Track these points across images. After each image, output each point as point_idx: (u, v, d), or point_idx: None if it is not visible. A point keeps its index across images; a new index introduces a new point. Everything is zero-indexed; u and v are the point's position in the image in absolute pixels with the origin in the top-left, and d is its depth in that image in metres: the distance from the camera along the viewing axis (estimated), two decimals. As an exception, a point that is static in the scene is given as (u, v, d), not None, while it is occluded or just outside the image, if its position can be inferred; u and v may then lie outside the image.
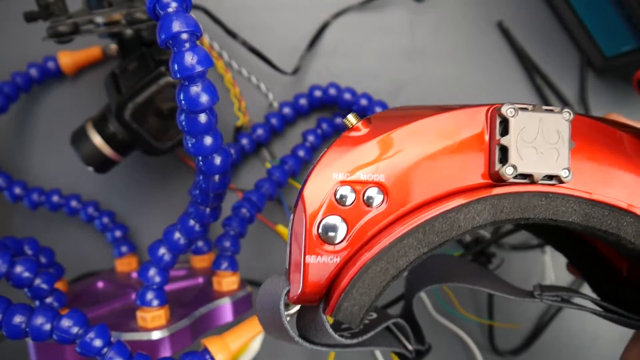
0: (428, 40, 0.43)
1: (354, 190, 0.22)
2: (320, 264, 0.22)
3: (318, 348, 0.23)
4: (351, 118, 0.23)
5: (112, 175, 0.39)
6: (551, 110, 0.23)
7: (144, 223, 0.42)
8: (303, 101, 0.41)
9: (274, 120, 0.41)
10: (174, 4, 0.21)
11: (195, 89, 0.22)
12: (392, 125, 0.23)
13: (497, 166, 0.23)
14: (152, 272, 0.30)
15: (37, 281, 0.29)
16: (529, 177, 0.23)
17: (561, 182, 0.23)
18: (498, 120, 0.23)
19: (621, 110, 0.43)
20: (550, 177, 0.23)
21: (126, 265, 0.40)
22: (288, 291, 0.22)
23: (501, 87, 0.43)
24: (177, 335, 0.31)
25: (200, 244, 0.40)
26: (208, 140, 0.24)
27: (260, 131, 0.41)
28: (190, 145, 0.25)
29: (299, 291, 0.22)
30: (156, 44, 0.35)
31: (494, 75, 0.43)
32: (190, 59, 0.21)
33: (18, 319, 0.26)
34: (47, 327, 0.26)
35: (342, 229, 0.22)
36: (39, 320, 0.26)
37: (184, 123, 0.24)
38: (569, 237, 0.31)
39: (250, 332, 0.29)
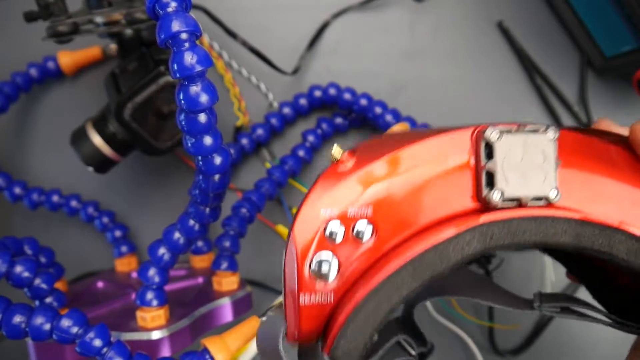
0: (428, 40, 0.43)
1: (344, 225, 0.22)
2: (315, 304, 0.22)
3: None
4: (336, 151, 0.23)
5: (112, 175, 0.39)
6: (535, 130, 0.22)
7: (144, 223, 0.42)
8: (303, 101, 0.41)
9: (274, 120, 0.41)
10: (173, 4, 0.21)
11: (194, 88, 0.22)
12: (376, 155, 0.22)
13: (485, 191, 0.22)
14: (152, 272, 0.30)
15: (37, 281, 0.29)
16: (517, 201, 0.22)
17: (550, 202, 0.22)
18: (482, 144, 0.22)
19: (621, 110, 0.43)
20: (539, 198, 0.22)
21: (126, 265, 0.40)
22: (286, 331, 0.22)
23: (501, 87, 0.43)
24: (177, 335, 0.31)
25: (200, 244, 0.40)
26: (208, 140, 0.24)
27: (260, 131, 0.41)
28: (190, 145, 0.25)
29: (296, 332, 0.22)
30: (156, 43, 0.35)
31: (494, 75, 0.43)
32: (189, 58, 0.21)
33: (18, 319, 0.26)
34: (47, 327, 0.26)
35: (334, 265, 0.22)
36: (38, 320, 0.26)
37: (183, 123, 0.24)
38: None
39: (250, 332, 0.29)
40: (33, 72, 0.40)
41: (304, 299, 0.22)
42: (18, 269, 0.28)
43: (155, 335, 0.30)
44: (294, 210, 0.42)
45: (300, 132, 0.41)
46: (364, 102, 0.40)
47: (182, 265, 0.40)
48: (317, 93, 0.41)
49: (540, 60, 0.43)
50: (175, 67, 0.22)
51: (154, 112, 0.34)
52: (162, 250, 0.30)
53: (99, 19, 0.32)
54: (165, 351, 0.30)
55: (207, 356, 0.28)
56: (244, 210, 0.36)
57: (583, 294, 0.31)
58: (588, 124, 0.43)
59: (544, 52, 0.43)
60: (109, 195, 0.42)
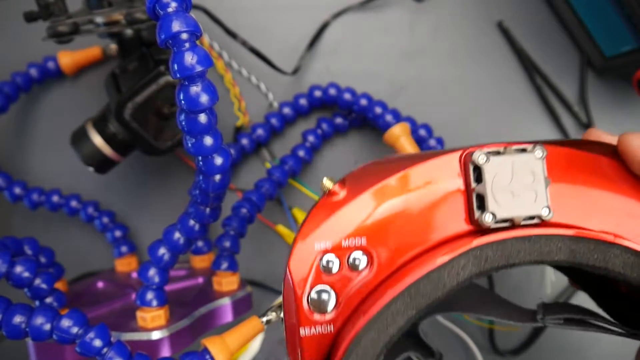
0: (428, 40, 0.43)
1: (338, 257, 0.22)
2: (316, 335, 0.22)
3: None
4: (326, 182, 0.23)
5: (112, 175, 0.39)
6: (523, 150, 0.22)
7: (144, 223, 0.42)
8: (303, 101, 0.41)
9: (274, 120, 0.41)
10: (173, 4, 0.21)
11: (195, 88, 0.22)
12: (366, 185, 0.23)
13: (477, 214, 0.22)
14: (152, 272, 0.30)
15: (37, 281, 0.29)
16: (510, 221, 0.22)
17: (543, 220, 0.22)
18: (471, 167, 0.22)
19: (621, 110, 0.43)
20: (532, 217, 0.22)
21: (126, 265, 0.40)
22: None
23: (501, 87, 0.43)
24: (177, 335, 0.31)
25: (200, 244, 0.40)
26: (208, 140, 0.24)
27: (260, 131, 0.41)
28: (190, 145, 0.25)
29: None
30: (156, 43, 0.35)
31: (494, 75, 0.43)
32: (190, 58, 0.21)
33: (18, 319, 0.26)
34: (47, 327, 0.26)
35: (332, 297, 0.22)
36: (39, 320, 0.26)
37: (183, 123, 0.24)
38: None
39: (250, 332, 0.29)
40: (33, 72, 0.40)
41: (305, 332, 0.22)
42: (18, 269, 0.28)
43: (155, 335, 0.30)
44: (294, 211, 0.42)
45: (300, 132, 0.41)
46: (364, 102, 0.40)
47: (182, 265, 0.40)
48: (317, 93, 0.41)
49: (540, 60, 0.43)
50: (176, 67, 0.22)
51: (154, 112, 0.34)
52: (162, 250, 0.30)
53: (99, 19, 0.32)
54: (165, 351, 0.30)
55: (207, 356, 0.28)
56: (244, 210, 0.36)
57: (583, 297, 0.31)
58: (588, 124, 0.43)
59: (544, 52, 0.43)
60: (109, 195, 0.42)
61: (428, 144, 0.39)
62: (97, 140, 0.36)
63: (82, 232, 0.42)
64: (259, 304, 0.41)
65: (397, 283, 0.21)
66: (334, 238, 0.22)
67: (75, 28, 0.32)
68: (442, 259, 0.21)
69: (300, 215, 0.41)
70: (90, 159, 0.36)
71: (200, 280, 0.38)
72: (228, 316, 0.35)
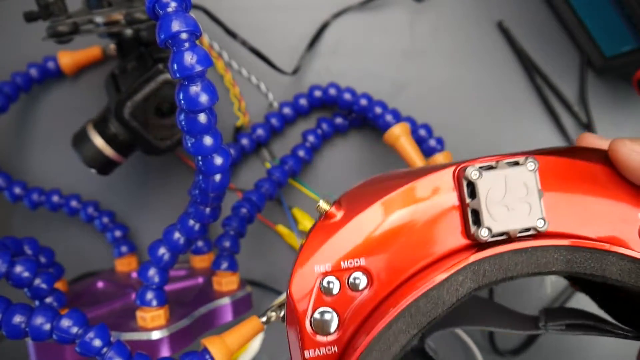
0: (428, 40, 0.43)
1: (339, 278, 0.23)
2: (320, 356, 0.22)
3: None
4: (322, 205, 0.23)
5: (112, 175, 0.39)
6: (515, 163, 0.23)
7: (144, 223, 0.42)
8: (303, 101, 0.41)
9: (274, 120, 0.41)
10: (173, 4, 0.21)
11: (194, 88, 0.22)
12: (362, 206, 0.23)
13: (473, 229, 0.23)
14: (152, 272, 0.30)
15: (37, 281, 0.29)
16: (506, 234, 0.23)
17: (539, 232, 0.23)
18: (465, 183, 0.23)
19: (621, 110, 0.43)
20: (527, 229, 0.23)
21: (126, 265, 0.40)
22: None
23: (501, 87, 0.43)
24: (177, 335, 0.31)
25: (200, 244, 0.40)
26: (208, 140, 0.24)
27: (260, 131, 0.41)
28: (189, 145, 0.25)
29: None
30: (155, 43, 0.35)
31: (494, 75, 0.43)
32: (189, 58, 0.21)
33: (18, 319, 0.26)
34: (47, 327, 0.26)
35: (334, 318, 0.22)
36: (38, 320, 0.26)
37: (183, 123, 0.24)
38: None
39: (250, 332, 0.29)
40: (33, 72, 0.40)
41: (309, 354, 0.22)
42: (18, 269, 0.28)
43: (155, 335, 0.30)
44: (294, 211, 0.42)
45: (300, 132, 0.41)
46: (364, 102, 0.40)
47: (182, 265, 0.40)
48: (317, 93, 0.41)
49: (540, 60, 0.43)
50: (175, 67, 0.22)
51: (153, 111, 0.34)
52: (162, 250, 0.30)
53: (99, 19, 0.32)
54: (165, 351, 0.30)
55: (207, 356, 0.28)
56: (244, 210, 0.36)
57: (583, 296, 0.31)
58: (588, 124, 0.43)
59: (544, 52, 0.43)
60: (109, 195, 0.42)
61: (428, 144, 0.39)
62: (98, 141, 0.35)
63: (82, 232, 0.42)
64: (259, 304, 0.41)
65: (398, 302, 0.21)
66: (333, 260, 0.23)
67: (75, 28, 0.32)
68: (440, 276, 0.21)
69: (300, 215, 0.41)
70: (92, 160, 0.36)
71: (200, 280, 0.38)
72: (228, 316, 0.35)
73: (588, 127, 0.43)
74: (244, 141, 0.40)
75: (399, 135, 0.37)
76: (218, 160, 0.25)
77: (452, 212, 0.23)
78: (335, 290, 0.23)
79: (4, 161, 0.42)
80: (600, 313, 0.29)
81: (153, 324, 0.31)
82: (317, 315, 0.22)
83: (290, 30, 0.43)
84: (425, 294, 0.21)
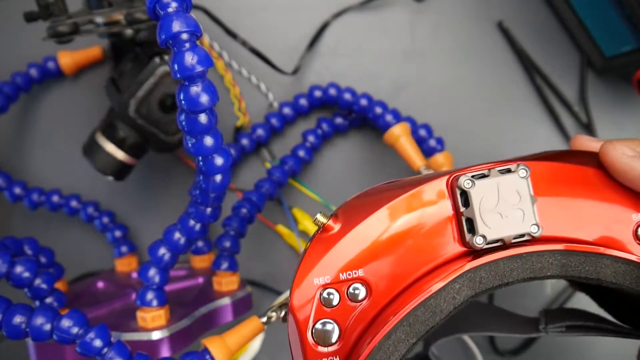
0: (428, 40, 0.43)
1: (338, 290, 0.23)
2: None
3: None
4: (320, 218, 0.23)
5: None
6: (508, 171, 0.23)
7: (144, 223, 0.42)
8: (303, 101, 0.41)
9: (274, 120, 0.41)
10: (174, 4, 0.21)
11: (195, 89, 0.22)
12: (359, 218, 0.23)
13: (468, 237, 0.23)
14: (152, 272, 0.30)
15: (37, 281, 0.29)
16: (500, 241, 0.23)
17: (533, 237, 0.23)
18: (458, 192, 0.23)
19: (621, 110, 0.43)
20: (521, 235, 0.23)
21: (126, 265, 0.40)
22: None
23: (501, 87, 0.43)
24: (177, 335, 0.31)
25: (200, 244, 0.40)
26: (208, 140, 0.24)
27: (260, 131, 0.41)
28: (190, 145, 0.25)
29: None
30: (149, 42, 0.35)
31: (494, 75, 0.43)
32: (190, 59, 0.21)
33: (18, 319, 0.26)
34: (47, 327, 0.26)
35: (335, 329, 0.23)
36: (39, 320, 0.26)
37: (184, 123, 0.24)
38: None
39: (250, 332, 0.29)
40: (33, 72, 0.40)
41: None
42: (18, 269, 0.28)
43: (156, 335, 0.30)
44: (294, 211, 0.42)
45: (301, 132, 0.41)
46: (364, 102, 0.40)
47: (182, 265, 0.40)
48: (317, 93, 0.41)
49: (540, 60, 0.43)
50: (176, 67, 0.22)
51: (157, 105, 0.34)
52: (162, 251, 0.29)
53: (99, 19, 0.32)
54: (166, 351, 0.30)
55: (208, 356, 0.28)
56: (244, 210, 0.36)
57: (583, 296, 0.31)
58: (588, 124, 0.43)
59: (544, 52, 0.43)
60: (109, 195, 0.42)
61: (428, 144, 0.39)
62: (109, 147, 0.35)
63: (82, 232, 0.42)
64: (259, 304, 0.41)
65: (396, 312, 0.22)
66: (331, 272, 0.23)
67: (75, 28, 0.32)
68: (437, 285, 0.22)
69: (300, 215, 0.41)
70: (105, 167, 0.36)
71: (200, 280, 0.38)
72: (228, 316, 0.35)
73: (588, 127, 0.43)
74: (244, 141, 0.40)
75: (399, 135, 0.37)
76: (219, 161, 0.25)
77: (447, 220, 0.23)
78: (335, 302, 0.23)
79: (4, 161, 0.42)
80: (600, 312, 0.29)
81: (153, 324, 0.31)
82: (318, 326, 0.23)
83: (290, 30, 0.43)
84: (423, 303, 0.21)
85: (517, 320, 0.30)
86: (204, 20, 0.41)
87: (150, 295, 0.30)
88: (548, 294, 0.42)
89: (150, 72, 0.33)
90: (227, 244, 0.35)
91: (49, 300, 0.30)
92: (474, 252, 0.23)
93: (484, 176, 0.23)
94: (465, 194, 0.23)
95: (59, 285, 0.36)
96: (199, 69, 0.22)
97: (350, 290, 0.23)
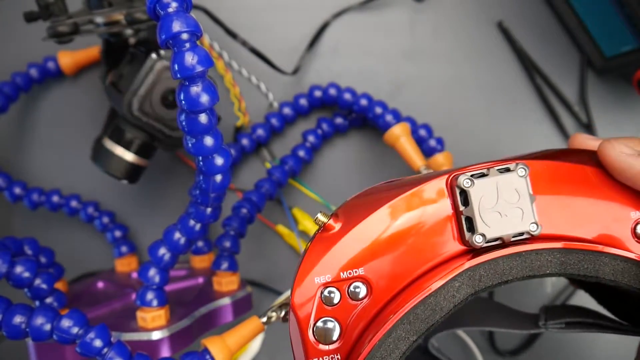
0: (428, 40, 0.43)
1: (339, 289, 0.23)
2: None
3: None
4: (321, 217, 0.24)
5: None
6: (507, 170, 0.23)
7: (144, 223, 0.42)
8: (303, 101, 0.41)
9: (274, 120, 0.41)
10: (174, 4, 0.21)
11: (195, 89, 0.22)
12: (359, 217, 0.23)
13: (467, 235, 0.23)
14: (152, 272, 0.30)
15: (37, 281, 0.29)
16: (500, 239, 0.23)
17: (532, 236, 0.23)
18: (458, 192, 0.23)
19: (621, 110, 0.43)
20: (521, 234, 0.23)
21: (126, 265, 0.40)
22: None
23: (501, 87, 0.43)
24: (177, 335, 0.31)
25: (200, 244, 0.40)
26: (208, 140, 0.24)
27: (260, 131, 0.41)
28: (190, 145, 0.25)
29: None
30: (144, 42, 0.35)
31: (494, 75, 0.43)
32: (190, 59, 0.21)
33: (18, 319, 0.26)
34: (47, 327, 0.26)
35: (336, 327, 0.23)
36: (39, 320, 0.26)
37: (184, 123, 0.24)
38: None
39: (250, 332, 0.29)
40: (33, 72, 0.40)
41: None
42: (18, 269, 0.28)
43: (156, 335, 0.30)
44: (294, 211, 0.42)
45: (301, 132, 0.41)
46: (364, 102, 0.40)
47: (182, 265, 0.40)
48: (317, 93, 0.41)
49: (540, 60, 0.43)
50: (176, 67, 0.22)
51: (160, 101, 0.34)
52: (162, 251, 0.29)
53: (99, 19, 0.32)
54: (166, 351, 0.30)
55: (208, 356, 0.28)
56: (244, 210, 0.36)
57: (583, 294, 0.31)
58: (588, 124, 0.43)
59: (544, 52, 0.43)
60: (109, 195, 0.42)
61: (428, 144, 0.39)
62: (119, 150, 0.35)
63: (82, 232, 0.42)
64: (259, 304, 0.41)
65: (396, 310, 0.22)
66: (332, 271, 0.23)
67: (75, 28, 0.32)
68: (436, 283, 0.22)
69: (300, 215, 0.41)
70: (118, 171, 0.36)
71: (200, 280, 0.38)
72: (228, 316, 0.35)
73: (588, 127, 0.43)
74: (244, 141, 0.40)
75: (399, 135, 0.37)
76: (219, 161, 0.25)
77: (447, 219, 0.24)
78: (336, 300, 0.23)
79: (4, 161, 0.42)
80: (599, 309, 0.29)
81: (153, 324, 0.31)
82: (319, 324, 0.23)
83: (290, 30, 0.43)
84: (423, 301, 0.22)
85: (517, 316, 0.30)
86: (204, 20, 0.41)
87: (150, 295, 0.30)
88: (549, 292, 0.42)
89: (149, 68, 0.33)
90: (227, 244, 0.35)
91: (49, 300, 0.30)
92: (474, 251, 0.23)
93: (483, 175, 0.23)
94: (464, 193, 0.23)
95: (59, 285, 0.36)
96: (199, 69, 0.22)
97: (351, 288, 0.23)
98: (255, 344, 0.40)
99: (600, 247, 0.23)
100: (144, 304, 0.30)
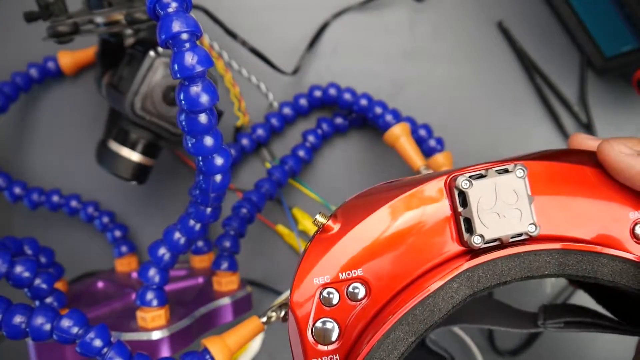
0: (428, 40, 0.43)
1: (337, 290, 0.23)
2: None
3: None
4: (320, 218, 0.24)
5: (111, 175, 0.39)
6: (505, 171, 0.23)
7: (144, 223, 0.42)
8: (303, 101, 0.41)
9: (274, 120, 0.41)
10: (174, 4, 0.21)
11: (195, 89, 0.22)
12: (358, 218, 0.23)
13: (466, 236, 0.23)
14: (152, 272, 0.30)
15: (37, 281, 0.29)
16: (498, 240, 0.23)
17: (530, 236, 0.23)
18: (456, 193, 0.23)
19: (621, 110, 0.43)
20: (519, 234, 0.23)
21: (126, 265, 0.40)
22: None
23: (501, 87, 0.43)
24: (177, 335, 0.31)
25: (200, 244, 0.40)
26: (208, 140, 0.24)
27: (260, 131, 0.41)
28: (190, 145, 0.25)
29: None
30: (141, 42, 0.35)
31: (494, 75, 0.43)
32: (190, 59, 0.21)
33: (18, 319, 0.26)
34: (47, 327, 0.26)
35: (335, 328, 0.23)
36: (39, 320, 0.26)
37: (184, 123, 0.24)
38: None
39: (250, 332, 0.29)
40: (33, 72, 0.40)
41: None
42: (18, 269, 0.28)
43: (156, 335, 0.30)
44: (294, 211, 0.42)
45: (300, 132, 0.41)
46: (364, 102, 0.40)
47: (182, 265, 0.40)
48: (317, 93, 0.41)
49: (540, 60, 0.43)
50: (176, 67, 0.22)
51: (162, 99, 0.34)
52: (162, 251, 0.30)
53: (99, 19, 0.32)
54: (166, 351, 0.30)
55: (208, 356, 0.28)
56: (244, 210, 0.36)
57: (583, 295, 0.31)
58: (588, 124, 0.43)
59: (544, 52, 0.43)
60: (109, 195, 0.42)
61: (428, 144, 0.39)
62: (125, 151, 0.35)
63: (82, 232, 0.42)
64: (259, 304, 0.41)
65: (395, 311, 0.22)
66: (331, 272, 0.23)
67: (75, 28, 0.32)
68: (435, 284, 0.22)
69: (300, 215, 0.41)
70: (125, 172, 0.36)
71: (200, 280, 0.38)
72: (228, 316, 0.35)
73: (588, 127, 0.43)
74: (244, 141, 0.40)
75: (399, 135, 0.37)
76: (219, 161, 0.25)
77: (446, 220, 0.24)
78: (335, 301, 0.23)
79: (4, 161, 0.42)
80: (599, 309, 0.29)
81: (153, 324, 0.31)
82: (318, 325, 0.23)
83: (290, 30, 0.43)
84: (422, 302, 0.22)
85: (516, 315, 0.30)
86: (204, 20, 0.41)
87: (150, 295, 0.30)
88: (548, 292, 0.42)
89: (148, 66, 0.33)
90: (227, 244, 0.35)
91: (49, 300, 0.30)
92: (472, 252, 0.23)
93: (481, 176, 0.23)
94: (463, 194, 0.23)
95: (59, 285, 0.36)
96: (199, 69, 0.22)
97: (350, 289, 0.23)
98: (255, 344, 0.40)
99: (598, 248, 0.23)
100: (144, 303, 0.30)
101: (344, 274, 0.23)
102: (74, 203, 0.40)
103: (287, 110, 0.41)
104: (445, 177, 0.24)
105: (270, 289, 0.42)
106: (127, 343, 0.27)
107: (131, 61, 0.34)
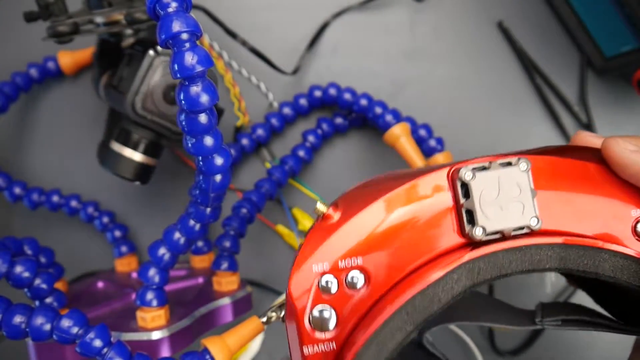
0: (428, 40, 0.43)
1: (336, 277, 0.23)
2: (319, 353, 0.23)
3: None
4: (320, 207, 0.23)
5: (111, 175, 0.39)
6: (508, 164, 0.23)
7: (144, 223, 0.42)
8: (303, 101, 0.41)
9: (274, 120, 0.41)
10: (174, 4, 0.21)
11: (195, 88, 0.22)
12: (358, 207, 0.23)
13: (467, 228, 0.23)
14: (152, 272, 0.30)
15: (37, 281, 0.29)
16: (500, 233, 0.23)
17: (532, 230, 0.23)
18: (459, 184, 0.23)
19: (621, 110, 0.43)
20: (521, 228, 0.23)
21: (126, 265, 0.40)
22: None
23: (501, 87, 0.43)
24: (177, 335, 0.31)
25: (200, 244, 0.40)
26: (208, 140, 0.24)
27: (260, 131, 0.41)
28: (190, 145, 0.25)
29: None
30: (140, 43, 0.35)
31: (494, 75, 0.43)
32: (190, 59, 0.21)
33: (18, 319, 0.26)
34: (47, 327, 0.26)
35: (332, 315, 0.23)
36: (39, 320, 0.26)
37: (184, 123, 0.24)
38: None
39: (250, 332, 0.29)
40: (33, 72, 0.40)
41: (307, 350, 0.23)
42: (18, 269, 0.28)
43: (156, 335, 0.30)
44: (294, 211, 0.42)
45: (300, 132, 0.42)
46: (364, 102, 0.40)
47: (182, 265, 0.40)
48: (317, 93, 0.41)
49: (540, 60, 0.43)
50: (176, 67, 0.22)
51: (163, 97, 0.34)
52: (162, 251, 0.30)
53: (99, 19, 0.32)
54: (166, 351, 0.30)
55: (208, 356, 0.28)
56: (244, 210, 0.36)
57: (583, 295, 0.31)
58: (588, 124, 0.43)
59: (544, 52, 0.43)
60: (109, 195, 0.42)
61: (428, 144, 0.39)
62: (127, 152, 0.35)
63: (82, 232, 0.42)
64: (259, 304, 0.41)
65: (394, 300, 0.22)
66: (330, 260, 0.23)
67: (75, 28, 0.32)
68: (435, 274, 0.22)
69: (300, 215, 0.41)
70: (128, 173, 0.36)
71: (200, 280, 0.38)
72: (228, 316, 0.35)
73: (588, 127, 0.43)
74: (244, 141, 0.40)
75: (399, 135, 0.37)
76: (218, 161, 0.25)
77: (447, 212, 0.23)
78: (334, 289, 0.23)
79: (4, 161, 0.42)
80: (597, 308, 0.29)
81: (153, 324, 0.31)
82: (315, 312, 0.23)
83: (290, 30, 0.43)
84: (421, 292, 0.21)
85: (513, 313, 0.30)
86: (204, 20, 0.41)
87: (150, 295, 0.30)
88: (548, 292, 0.42)
89: (148, 65, 0.33)
90: (227, 244, 0.35)
91: (49, 300, 0.30)
92: (474, 244, 0.23)
93: (484, 168, 0.23)
94: (465, 186, 0.23)
95: (59, 285, 0.36)
96: (199, 68, 0.22)
97: (349, 278, 0.23)
98: (255, 344, 0.40)
99: (600, 244, 0.23)
100: (144, 303, 0.30)
101: (343, 262, 0.23)
102: (74, 203, 0.40)
103: (287, 110, 0.41)
104: (447, 168, 0.24)
105: (270, 289, 0.42)
106: (127, 343, 0.27)
107: (131, 61, 0.34)
